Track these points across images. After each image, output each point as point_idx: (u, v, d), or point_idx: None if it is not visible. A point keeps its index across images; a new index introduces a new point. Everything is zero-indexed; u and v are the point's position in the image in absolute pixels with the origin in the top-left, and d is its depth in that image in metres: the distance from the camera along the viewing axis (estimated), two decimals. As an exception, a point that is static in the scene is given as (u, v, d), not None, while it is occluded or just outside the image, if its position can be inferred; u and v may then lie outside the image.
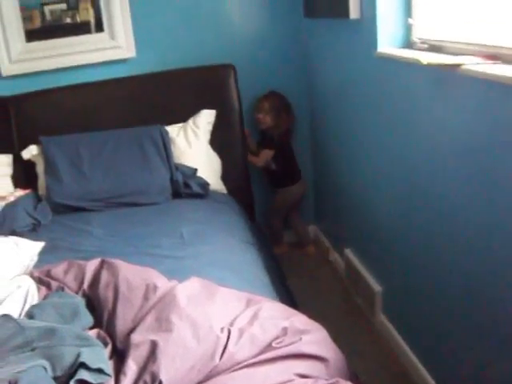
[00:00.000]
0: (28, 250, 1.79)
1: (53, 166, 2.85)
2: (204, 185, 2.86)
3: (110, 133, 2.96)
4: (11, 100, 3.06)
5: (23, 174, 3.01)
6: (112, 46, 3.22)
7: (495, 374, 1.77)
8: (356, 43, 2.59)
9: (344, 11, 2.51)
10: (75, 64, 3.22)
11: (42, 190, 2.92)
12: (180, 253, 2.25)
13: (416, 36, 2.26)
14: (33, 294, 1.68)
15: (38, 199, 2.84)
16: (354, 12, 2.48)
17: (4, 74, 3.16)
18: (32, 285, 1.70)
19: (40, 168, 2.94)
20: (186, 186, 2.82)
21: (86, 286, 1.83)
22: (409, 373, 2.39)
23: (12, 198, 2.75)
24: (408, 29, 2.30)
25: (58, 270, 1.90)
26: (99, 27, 3.23)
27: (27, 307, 1.64)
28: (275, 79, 3.41)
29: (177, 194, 2.84)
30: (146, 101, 3.12)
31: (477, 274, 1.79)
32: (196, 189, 2.81)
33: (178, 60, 3.25)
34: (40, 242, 1.86)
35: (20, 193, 2.83)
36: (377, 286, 2.71)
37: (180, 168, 2.88)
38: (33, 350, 1.43)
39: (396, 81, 2.23)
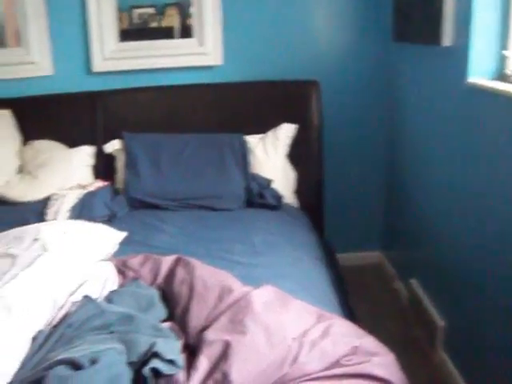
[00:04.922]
0: (112, 238, 1.84)
1: (133, 162, 2.92)
2: (278, 197, 2.87)
3: (191, 136, 3.03)
4: (99, 95, 3.17)
5: (103, 167, 3.11)
6: (200, 53, 3.29)
7: None
8: (445, 71, 2.55)
9: (436, 37, 2.48)
10: (162, 66, 3.31)
11: (119, 184, 2.99)
12: (251, 260, 2.26)
13: (510, 69, 2.22)
14: (113, 280, 1.72)
15: (116, 192, 2.92)
16: (446, 39, 2.45)
17: (95, 69, 3.28)
18: (112, 271, 1.74)
19: (120, 162, 3.02)
20: (260, 196, 2.84)
21: (160, 279, 1.86)
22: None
23: (92, 188, 2.83)
24: (502, 61, 2.26)
25: (135, 261, 1.94)
26: (185, 33, 3.32)
27: (105, 292, 1.68)
28: (355, 100, 3.41)
29: (250, 203, 2.86)
30: (227, 109, 3.17)
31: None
32: (270, 200, 2.83)
33: (263, 72, 3.30)
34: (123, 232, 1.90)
35: (99, 184, 2.92)
36: (440, 321, 2.65)
37: (256, 178, 2.91)
38: (110, 333, 1.46)
39: (486, 113, 2.19)
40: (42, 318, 1.44)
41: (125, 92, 3.22)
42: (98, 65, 3.28)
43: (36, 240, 1.63)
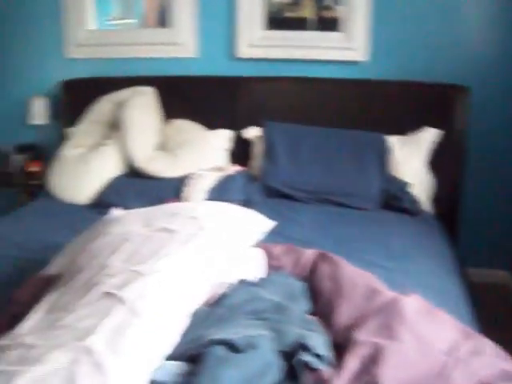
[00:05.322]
0: (262, 225, 1.84)
1: (272, 151, 2.93)
2: (415, 202, 2.78)
3: (332, 131, 2.99)
4: (242, 81, 3.20)
5: (238, 152, 3.14)
6: (347, 47, 3.24)
7: None
8: None
9: None
10: (305, 58, 3.29)
11: (255, 171, 3.01)
12: (386, 263, 2.19)
13: None
14: (262, 267, 1.72)
15: (251, 178, 2.93)
16: None
17: (239, 55, 3.31)
18: (262, 258, 1.74)
19: (257, 149, 3.04)
20: (396, 199, 2.76)
21: (304, 272, 1.84)
22: None
23: (230, 172, 2.87)
24: None
25: (277, 250, 1.93)
26: (322, 25, 3.28)
27: (254, 278, 1.68)
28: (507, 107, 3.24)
29: (385, 205, 2.79)
30: (368, 106, 3.10)
31: None
32: (407, 204, 2.74)
33: (409, 72, 3.19)
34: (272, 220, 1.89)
35: (236, 168, 2.95)
36: None
37: (393, 180, 2.83)
38: (262, 320, 1.45)
39: None
40: (197, 295, 1.45)
41: (267, 80, 3.23)
42: (243, 51, 3.31)
43: (193, 218, 1.65)
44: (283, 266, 1.87)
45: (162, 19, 3.52)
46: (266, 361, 1.31)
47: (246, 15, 3.27)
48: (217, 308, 1.47)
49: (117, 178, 3.01)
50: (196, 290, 1.45)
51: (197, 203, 1.88)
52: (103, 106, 3.24)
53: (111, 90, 3.32)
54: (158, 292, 1.35)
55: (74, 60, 3.62)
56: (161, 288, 1.35)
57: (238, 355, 1.26)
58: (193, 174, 2.86)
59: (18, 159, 3.72)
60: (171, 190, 2.79)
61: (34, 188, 3.65)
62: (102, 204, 2.86)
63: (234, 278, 1.61)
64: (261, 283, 1.63)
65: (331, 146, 2.91)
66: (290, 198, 2.82)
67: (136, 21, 3.71)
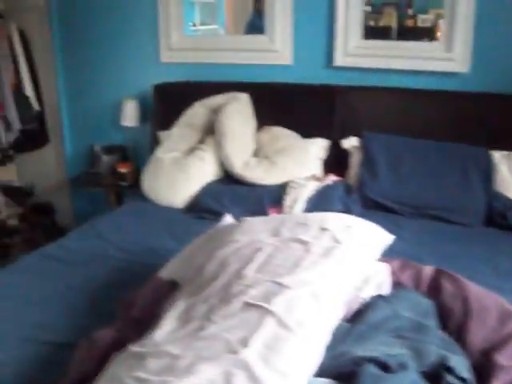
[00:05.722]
0: (385, 238, 1.81)
1: (371, 162, 2.88)
2: (523, 220, 2.67)
3: (433, 143, 2.91)
4: (339, 89, 3.16)
5: (332, 161, 3.10)
6: (446, 58, 3.15)
7: None
8: None
9: None
10: (403, 68, 3.23)
11: (351, 181, 2.97)
12: (496, 283, 2.10)
13: None
14: (388, 281, 1.68)
15: (349, 189, 2.89)
16: None
17: (336, 64, 3.28)
18: (388, 272, 1.70)
19: (355, 160, 3.00)
20: (502, 216, 2.66)
21: (423, 288, 1.79)
22: None
23: (328, 182, 2.84)
24: None
25: (394, 264, 1.88)
26: (403, 34, 3.22)
27: (382, 293, 1.64)
28: None
29: (490, 222, 2.70)
30: (468, 119, 3.01)
31: None
32: (513, 222, 2.65)
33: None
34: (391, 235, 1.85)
35: (334, 178, 2.91)
36: None
37: (499, 196, 2.73)
38: (402, 338, 1.42)
39: None
40: (339, 310, 1.42)
41: (365, 90, 3.18)
42: (339, 59, 3.27)
43: (324, 230, 1.62)
44: (402, 282, 1.82)
45: (251, 26, 3.53)
46: (412, 380, 1.27)
47: (344, 24, 3.22)
48: (357, 324, 1.44)
49: (213, 183, 3.03)
50: (338, 305, 1.42)
51: (322, 214, 1.83)
52: (197, 111, 3.26)
53: (203, 94, 3.34)
54: (307, 306, 1.32)
55: (167, 64, 3.66)
56: (309, 302, 1.33)
57: (393, 376, 1.22)
58: (292, 182, 2.84)
59: (107, 160, 3.79)
60: (270, 197, 2.78)
61: (122, 189, 3.71)
62: (197, 208, 2.88)
63: (366, 293, 1.57)
64: (393, 299, 1.59)
65: (433, 159, 2.83)
66: (389, 211, 2.76)
67: (217, 27, 3.75)
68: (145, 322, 1.59)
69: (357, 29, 3.24)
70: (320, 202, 2.68)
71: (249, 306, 1.34)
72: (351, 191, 2.87)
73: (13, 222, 4.12)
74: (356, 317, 1.48)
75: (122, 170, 3.65)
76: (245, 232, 1.71)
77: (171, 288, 1.73)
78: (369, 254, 1.68)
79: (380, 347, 1.35)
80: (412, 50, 3.24)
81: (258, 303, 1.33)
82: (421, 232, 2.57)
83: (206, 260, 1.64)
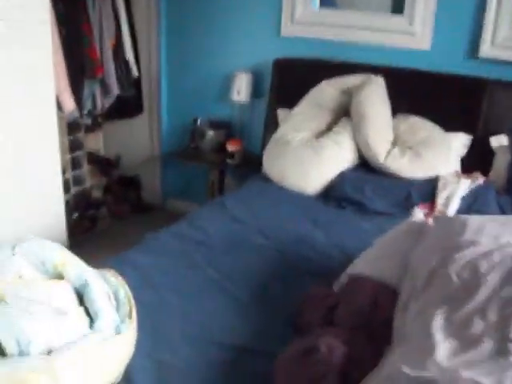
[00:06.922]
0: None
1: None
2: None
3: None
4: (489, 83, 2.89)
5: (473, 159, 2.86)
6: None
7: None
8: None
9: None
10: None
11: (497, 181, 2.72)
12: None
13: None
14: None
15: (496, 190, 2.64)
16: None
17: (482, 55, 3.01)
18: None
19: (500, 160, 2.75)
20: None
21: None
22: None
23: (479, 181, 2.60)
24: None
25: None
26: None
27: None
28: None
29: None
30: None
31: None
32: None
33: None
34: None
35: (479, 176, 2.67)
36: None
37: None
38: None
39: None
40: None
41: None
42: (486, 50, 3.00)
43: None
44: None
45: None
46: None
47: (494, 12, 2.95)
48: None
49: (351, 170, 2.82)
50: None
51: None
52: (326, 91, 3.04)
53: (328, 73, 3.12)
54: None
55: (287, 39, 3.43)
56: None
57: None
58: (442, 177, 2.61)
59: (212, 135, 3.58)
60: (418, 192, 2.58)
61: (227, 167, 3.51)
62: (335, 197, 2.68)
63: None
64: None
65: None
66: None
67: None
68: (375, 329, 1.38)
69: (509, 18, 2.97)
70: (475, 202, 2.49)
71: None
72: (499, 192, 2.63)
73: (97, 193, 3.92)
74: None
75: (232, 147, 3.43)
76: (479, 232, 1.48)
77: (386, 291, 1.52)
78: None
79: None
80: None
81: None
82: None
83: (441, 262, 1.42)
